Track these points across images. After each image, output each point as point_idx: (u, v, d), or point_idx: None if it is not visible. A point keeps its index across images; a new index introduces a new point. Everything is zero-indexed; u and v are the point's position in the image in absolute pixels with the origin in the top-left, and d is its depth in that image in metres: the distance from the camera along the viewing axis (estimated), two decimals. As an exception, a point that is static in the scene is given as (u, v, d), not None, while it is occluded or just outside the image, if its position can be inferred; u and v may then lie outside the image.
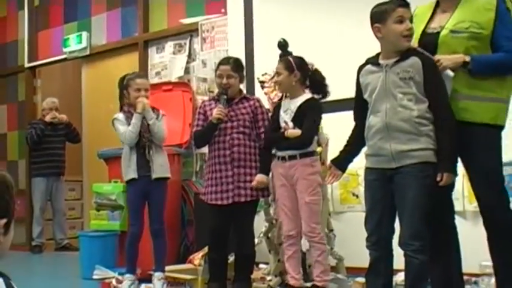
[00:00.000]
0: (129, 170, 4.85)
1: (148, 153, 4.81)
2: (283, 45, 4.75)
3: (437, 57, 3.26)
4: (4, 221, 1.45)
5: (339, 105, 4.69)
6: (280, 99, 4.64)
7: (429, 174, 3.22)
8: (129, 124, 4.80)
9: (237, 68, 4.51)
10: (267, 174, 4.41)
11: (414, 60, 3.24)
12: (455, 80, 3.24)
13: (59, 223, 8.01)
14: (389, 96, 3.28)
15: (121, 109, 4.98)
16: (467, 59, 3.22)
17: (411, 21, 3.29)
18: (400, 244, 3.29)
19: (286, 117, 4.27)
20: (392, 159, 3.29)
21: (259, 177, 4.37)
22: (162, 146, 4.97)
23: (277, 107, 4.44)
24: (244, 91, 4.82)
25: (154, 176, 4.82)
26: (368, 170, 3.45)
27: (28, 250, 8.03)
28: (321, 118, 4.30)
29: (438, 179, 3.17)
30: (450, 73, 3.25)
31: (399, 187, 3.29)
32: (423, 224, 3.25)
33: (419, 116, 3.22)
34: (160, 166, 4.87)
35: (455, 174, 3.24)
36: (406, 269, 3.32)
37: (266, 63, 5.43)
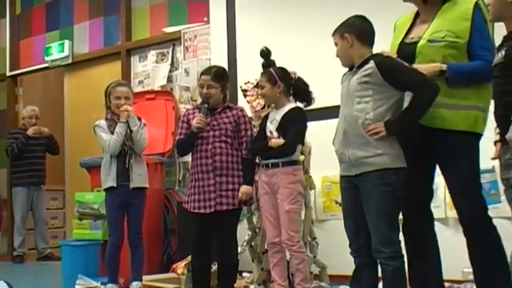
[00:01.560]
0: (108, 179, 4.85)
1: (129, 161, 4.81)
2: (265, 53, 4.76)
3: (414, 66, 3.29)
4: None
5: (321, 114, 4.70)
6: (263, 108, 4.66)
7: (390, 181, 3.27)
8: (111, 132, 4.80)
9: (218, 78, 4.49)
10: (251, 185, 4.41)
11: (371, 64, 3.32)
12: None
13: (41, 232, 7.95)
14: (349, 102, 3.38)
15: None
16: (444, 67, 3.24)
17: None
18: (373, 252, 3.33)
19: (271, 127, 4.30)
20: (352, 166, 3.37)
21: (244, 189, 4.36)
22: (142, 156, 4.96)
23: (265, 117, 4.47)
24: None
25: (132, 185, 4.82)
26: (340, 178, 3.54)
27: (10, 260, 7.96)
28: (306, 127, 4.31)
29: (371, 128, 3.26)
30: None
31: (363, 195, 3.35)
32: (392, 231, 3.31)
33: (375, 119, 3.29)
34: (139, 176, 4.86)
35: (391, 134, 3.26)
36: (382, 276, 3.36)
37: (249, 71, 5.44)
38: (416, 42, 3.37)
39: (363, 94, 3.33)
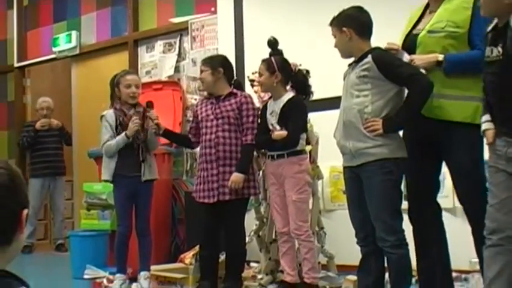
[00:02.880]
0: (106, 171, 4.85)
1: (142, 155, 4.79)
2: (273, 43, 4.75)
3: (411, 56, 3.33)
4: (27, 211, 1.51)
5: (329, 104, 4.70)
6: (270, 97, 4.65)
7: (390, 170, 3.31)
8: (117, 123, 4.78)
9: (207, 62, 4.55)
10: (245, 173, 4.39)
11: (368, 58, 3.37)
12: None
13: (56, 223, 7.93)
14: (348, 95, 3.44)
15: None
16: (440, 58, 3.25)
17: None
18: (377, 241, 3.36)
19: (272, 119, 4.31)
20: (353, 157, 3.42)
21: (234, 177, 4.34)
22: None
23: (263, 109, 4.47)
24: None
25: (144, 178, 4.80)
26: (343, 169, 3.59)
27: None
28: (306, 115, 4.32)
29: (369, 124, 3.32)
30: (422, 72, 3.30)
31: (365, 185, 3.40)
32: (395, 219, 3.35)
33: (373, 113, 3.33)
34: (150, 167, 4.86)
35: (387, 132, 3.32)
36: (388, 265, 3.39)
37: (256, 61, 5.39)
38: (419, 34, 3.38)
39: (361, 88, 3.37)
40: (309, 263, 4.25)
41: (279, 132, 4.22)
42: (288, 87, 4.40)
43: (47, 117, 7.78)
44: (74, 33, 8.15)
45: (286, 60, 4.39)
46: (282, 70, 4.31)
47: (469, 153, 3.26)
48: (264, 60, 4.42)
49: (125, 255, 4.90)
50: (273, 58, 4.40)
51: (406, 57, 3.35)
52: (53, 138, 7.80)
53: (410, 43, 3.40)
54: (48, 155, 7.78)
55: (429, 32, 3.32)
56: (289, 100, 4.27)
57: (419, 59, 3.29)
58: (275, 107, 4.31)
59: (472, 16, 3.24)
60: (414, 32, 3.46)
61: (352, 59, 3.54)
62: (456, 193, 3.40)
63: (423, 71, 3.29)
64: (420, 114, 3.29)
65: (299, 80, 4.41)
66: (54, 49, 8.36)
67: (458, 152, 3.28)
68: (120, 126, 4.82)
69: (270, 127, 4.31)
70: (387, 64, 3.35)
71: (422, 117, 3.30)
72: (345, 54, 3.56)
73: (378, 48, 3.45)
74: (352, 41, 3.47)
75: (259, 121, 4.49)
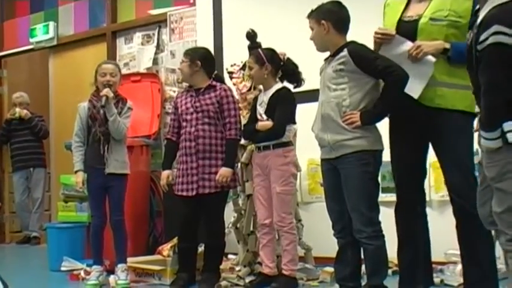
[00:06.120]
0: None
1: (103, 147, 4.76)
2: (251, 35, 4.76)
3: (418, 42, 3.30)
4: None
5: (308, 96, 4.70)
6: (249, 90, 4.66)
7: (368, 162, 3.36)
8: (87, 118, 4.80)
9: (189, 54, 4.56)
10: (232, 167, 4.42)
11: (344, 52, 3.42)
12: (434, 67, 3.28)
13: (31, 215, 7.82)
14: (325, 88, 3.48)
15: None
16: (447, 46, 3.26)
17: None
18: (354, 232, 3.39)
19: (260, 109, 4.33)
20: (332, 149, 3.45)
21: (223, 171, 4.37)
22: (123, 142, 4.91)
23: (254, 99, 4.48)
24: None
25: (107, 171, 4.76)
26: (321, 161, 3.62)
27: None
28: (294, 106, 4.34)
29: (347, 117, 3.36)
30: (432, 59, 3.28)
31: (343, 177, 3.43)
32: (372, 211, 3.39)
33: (352, 105, 3.38)
34: (115, 161, 4.78)
35: (365, 124, 3.38)
36: (364, 256, 3.42)
37: (235, 53, 5.43)
38: (416, 21, 3.37)
39: (338, 81, 3.41)
40: (289, 255, 4.27)
41: (263, 123, 4.24)
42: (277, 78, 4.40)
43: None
44: (51, 24, 8.07)
45: (274, 51, 4.40)
46: (271, 61, 4.31)
47: (464, 140, 3.27)
48: (252, 53, 4.43)
49: (100, 247, 4.89)
50: (260, 50, 4.40)
51: (408, 44, 3.32)
52: (26, 131, 7.72)
53: (404, 30, 3.38)
54: (22, 147, 7.72)
55: (431, 19, 3.31)
56: (277, 91, 4.29)
57: (428, 45, 3.27)
58: (264, 98, 4.34)
59: (472, 7, 3.24)
60: (405, 19, 3.43)
61: (328, 53, 3.56)
62: (445, 180, 3.39)
63: (432, 57, 3.27)
64: (416, 102, 3.29)
65: (289, 68, 4.42)
66: (31, 40, 8.28)
67: (453, 138, 3.27)
68: (90, 119, 4.81)
69: (259, 117, 4.32)
70: (362, 57, 3.39)
71: (421, 106, 3.29)
72: (321, 48, 3.59)
73: (353, 42, 3.49)
74: (329, 35, 3.50)
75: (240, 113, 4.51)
